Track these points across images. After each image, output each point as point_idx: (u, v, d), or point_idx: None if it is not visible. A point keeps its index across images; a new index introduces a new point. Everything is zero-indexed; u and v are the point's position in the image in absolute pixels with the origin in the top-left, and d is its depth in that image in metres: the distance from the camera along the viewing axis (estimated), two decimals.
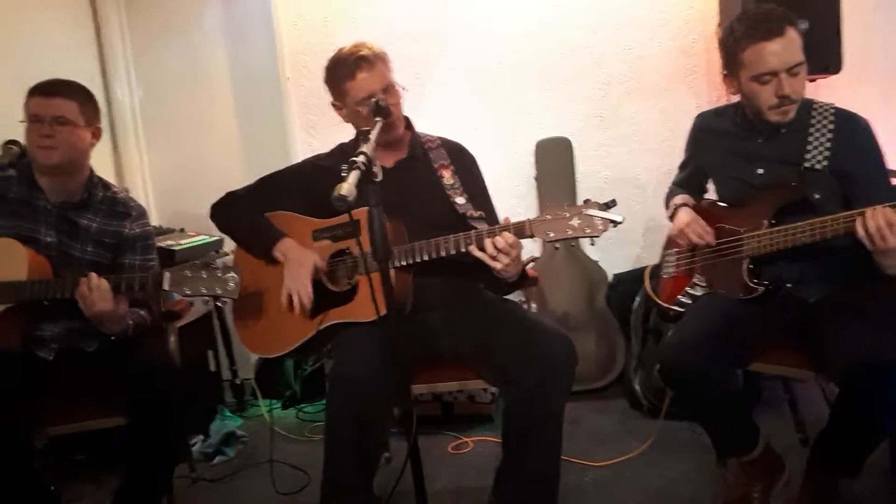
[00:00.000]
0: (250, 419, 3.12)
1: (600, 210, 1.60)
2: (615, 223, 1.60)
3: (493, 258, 1.70)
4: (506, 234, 1.70)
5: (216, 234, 3.04)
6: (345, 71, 1.93)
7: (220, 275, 1.80)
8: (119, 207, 2.10)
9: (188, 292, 1.82)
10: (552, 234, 1.65)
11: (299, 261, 1.89)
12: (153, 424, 1.83)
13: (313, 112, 3.39)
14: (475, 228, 1.86)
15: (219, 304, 1.85)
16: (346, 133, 2.14)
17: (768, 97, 1.80)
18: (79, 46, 3.35)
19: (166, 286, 1.82)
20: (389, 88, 1.92)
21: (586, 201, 1.63)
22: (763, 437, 1.88)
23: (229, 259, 2.11)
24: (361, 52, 1.92)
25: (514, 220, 2.01)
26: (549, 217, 1.64)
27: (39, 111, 1.93)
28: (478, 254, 1.72)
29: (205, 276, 1.80)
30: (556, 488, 1.77)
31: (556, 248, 1.70)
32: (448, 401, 2.86)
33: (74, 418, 1.93)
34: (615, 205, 1.62)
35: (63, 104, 1.95)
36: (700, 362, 1.74)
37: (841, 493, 1.81)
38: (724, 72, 1.93)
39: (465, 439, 2.67)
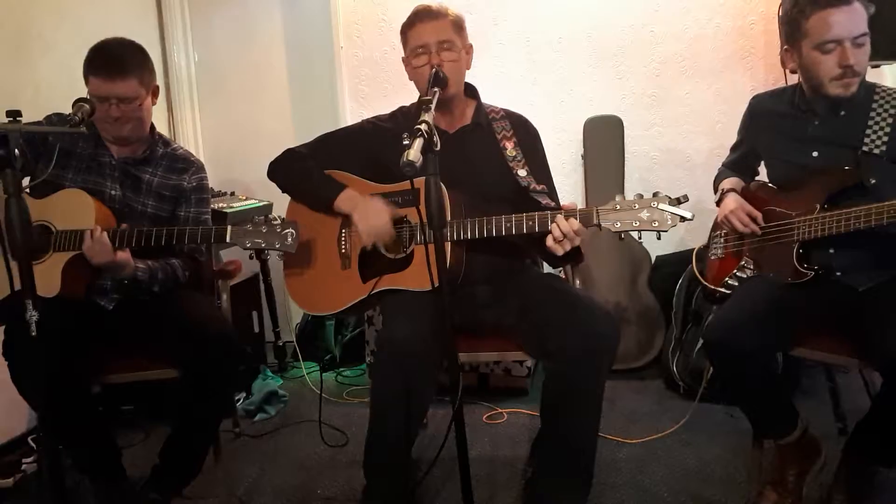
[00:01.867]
0: (290, 380, 3.21)
1: (671, 205, 1.58)
2: (684, 219, 1.58)
3: (558, 242, 1.69)
4: (572, 220, 1.68)
5: (265, 199, 3.12)
6: (410, 20, 1.96)
7: (279, 230, 1.86)
8: (179, 163, 2.16)
9: (248, 245, 1.88)
10: (619, 225, 1.63)
11: (374, 208, 1.91)
12: (204, 378, 1.90)
13: (364, 82, 3.42)
14: (538, 202, 1.87)
15: (278, 256, 1.91)
16: (396, 105, 2.16)
17: (831, 67, 1.78)
18: (140, 11, 3.43)
19: (228, 239, 1.89)
20: (447, 44, 1.90)
21: (656, 194, 1.60)
22: (802, 422, 1.87)
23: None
24: (430, 5, 1.95)
25: (561, 198, 2.03)
26: (617, 207, 1.63)
27: (102, 93, 1.94)
28: (549, 241, 1.71)
29: (264, 230, 1.87)
30: (593, 462, 1.79)
31: (622, 239, 1.67)
32: (484, 372, 2.91)
33: (130, 368, 2.01)
34: (686, 200, 1.59)
35: (123, 86, 1.95)
36: (745, 342, 1.74)
37: (876, 481, 1.81)
38: (785, 46, 1.90)
39: (500, 410, 2.71)
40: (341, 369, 3.28)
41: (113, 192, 2.06)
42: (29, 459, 2.41)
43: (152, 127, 2.14)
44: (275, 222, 1.87)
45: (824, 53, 1.77)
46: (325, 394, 2.96)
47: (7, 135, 1.20)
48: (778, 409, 1.88)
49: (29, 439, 2.53)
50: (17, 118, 1.28)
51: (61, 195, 1.97)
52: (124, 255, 1.93)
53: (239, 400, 2.85)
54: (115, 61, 1.96)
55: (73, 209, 1.94)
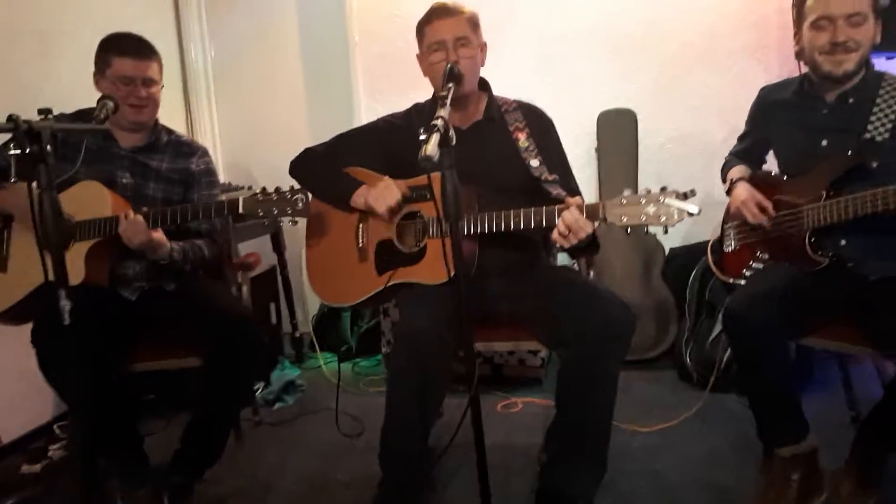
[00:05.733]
0: (308, 370, 3.27)
1: (678, 199, 1.59)
2: (691, 214, 1.58)
3: (563, 237, 1.72)
4: (570, 213, 1.70)
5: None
6: (426, 16, 2.01)
7: (289, 196, 1.89)
8: (184, 148, 2.24)
9: (261, 214, 1.91)
10: (626, 219, 1.64)
11: (383, 184, 1.97)
12: (226, 365, 1.96)
13: (379, 78, 3.45)
14: (549, 193, 1.90)
15: (291, 222, 1.94)
16: (410, 100, 2.20)
17: (823, 44, 1.81)
18: (158, 7, 3.48)
19: (241, 210, 1.92)
20: (464, 41, 1.95)
21: (663, 189, 1.61)
22: (812, 439, 1.86)
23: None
24: (446, 3, 1.99)
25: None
26: (624, 201, 1.64)
27: (131, 73, 2.05)
28: (555, 235, 1.74)
29: (275, 198, 1.90)
30: (606, 449, 1.83)
31: (628, 234, 1.69)
32: (499, 363, 2.94)
33: (154, 357, 2.08)
34: (694, 195, 1.59)
35: (151, 66, 2.09)
36: (766, 316, 1.75)
37: (887, 468, 1.82)
38: (794, 30, 1.94)
39: (515, 399, 2.75)
40: (358, 360, 3.33)
41: (124, 181, 2.13)
42: (55, 446, 2.48)
43: (156, 119, 2.21)
44: (284, 191, 1.91)
45: (818, 31, 1.81)
46: (342, 383, 3.01)
47: (40, 132, 1.26)
48: (789, 407, 1.87)
49: (55, 427, 2.60)
50: (49, 115, 1.33)
51: (77, 187, 2.03)
52: (159, 234, 2.00)
53: (258, 389, 2.91)
54: (142, 44, 2.09)
55: (89, 199, 2.00)
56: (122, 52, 2.05)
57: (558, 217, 1.72)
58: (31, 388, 2.22)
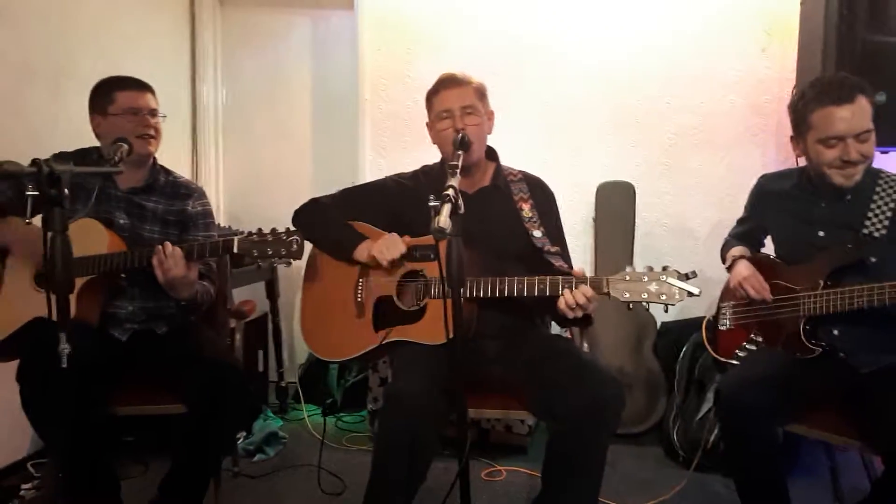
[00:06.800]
0: (291, 422, 3.22)
1: (680, 280, 1.63)
2: (692, 294, 1.62)
3: (571, 309, 1.75)
4: (584, 287, 1.74)
5: None
6: (435, 87, 2.07)
7: (284, 238, 1.89)
8: (181, 189, 2.25)
9: (256, 254, 1.90)
10: (627, 295, 1.67)
11: (389, 238, 1.99)
12: (210, 415, 1.93)
13: (386, 134, 3.51)
14: (551, 263, 1.93)
15: (285, 265, 1.93)
16: (415, 159, 2.25)
17: (833, 159, 1.85)
18: (174, 49, 3.56)
19: (236, 249, 1.90)
20: (470, 110, 2.00)
21: (665, 268, 1.65)
22: None
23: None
24: (455, 73, 2.06)
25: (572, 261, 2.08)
26: (627, 277, 1.67)
27: (136, 104, 2.10)
28: (561, 305, 1.77)
29: (270, 239, 1.89)
30: None
31: (630, 309, 1.72)
32: (485, 428, 2.91)
33: (138, 401, 2.05)
34: (695, 276, 1.64)
35: (152, 98, 2.15)
36: (756, 398, 1.76)
37: None
38: (792, 134, 1.98)
39: (499, 468, 2.71)
40: (342, 414, 3.29)
41: (122, 222, 2.14)
42: (28, 485, 2.41)
43: (154, 159, 2.23)
44: (279, 232, 1.91)
45: (827, 147, 1.84)
46: (325, 439, 2.96)
47: (60, 176, 1.28)
48: (777, 495, 1.86)
49: (29, 465, 2.54)
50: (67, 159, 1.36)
51: (75, 225, 2.02)
52: (195, 272, 2.00)
53: (239, 439, 2.86)
54: (134, 78, 2.15)
55: (86, 237, 2.00)
56: (124, 86, 2.11)
57: (563, 289, 1.75)
58: (8, 423, 2.18)
